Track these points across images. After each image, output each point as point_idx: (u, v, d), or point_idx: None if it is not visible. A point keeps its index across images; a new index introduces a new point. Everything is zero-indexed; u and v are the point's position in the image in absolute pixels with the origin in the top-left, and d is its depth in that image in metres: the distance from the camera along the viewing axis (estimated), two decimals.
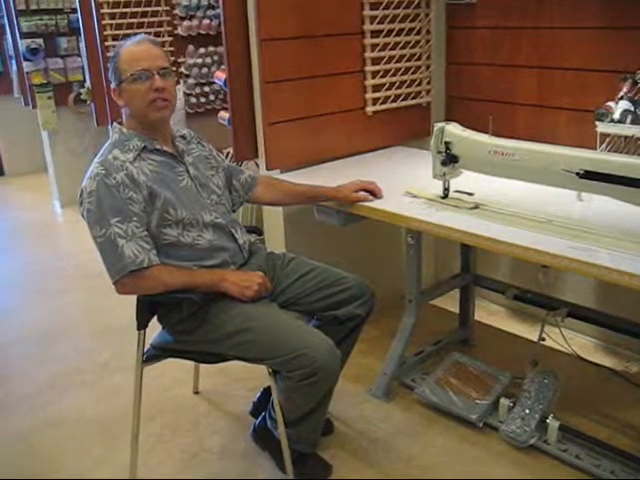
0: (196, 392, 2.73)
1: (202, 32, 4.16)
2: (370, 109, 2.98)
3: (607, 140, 2.41)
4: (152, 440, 2.45)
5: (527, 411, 2.34)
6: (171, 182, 2.01)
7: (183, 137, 2.16)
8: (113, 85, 2.01)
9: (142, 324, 2.08)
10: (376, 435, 2.44)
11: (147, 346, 2.14)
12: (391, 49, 2.97)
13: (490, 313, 3.26)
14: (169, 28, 4.13)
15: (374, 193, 2.35)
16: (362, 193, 2.34)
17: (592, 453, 2.22)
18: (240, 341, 1.97)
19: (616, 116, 2.35)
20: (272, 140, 2.70)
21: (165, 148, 2.05)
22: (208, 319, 2.00)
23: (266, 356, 1.96)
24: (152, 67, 1.94)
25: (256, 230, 2.55)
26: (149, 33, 3.95)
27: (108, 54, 3.94)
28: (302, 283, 2.20)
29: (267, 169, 2.69)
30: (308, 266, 2.24)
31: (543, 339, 2.51)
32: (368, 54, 2.91)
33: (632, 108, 2.35)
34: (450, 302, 3.07)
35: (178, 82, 4.15)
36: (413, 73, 3.09)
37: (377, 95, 2.98)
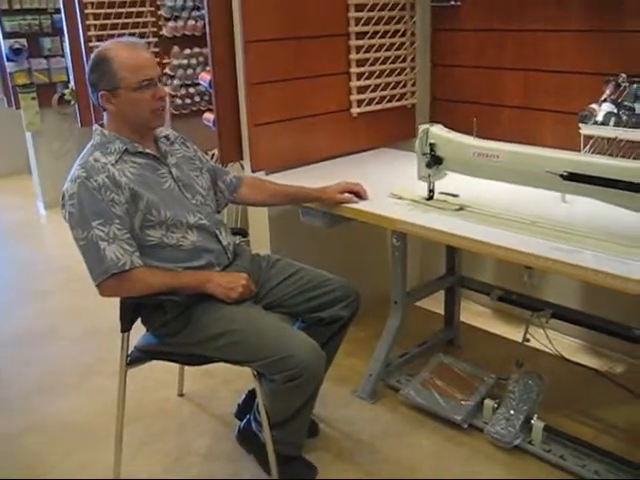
0: (181, 394, 2.71)
1: (187, 33, 4.14)
2: (355, 110, 2.98)
3: (591, 142, 2.42)
4: (136, 443, 2.43)
5: (512, 412, 2.35)
6: (154, 184, 2.00)
7: (167, 138, 2.15)
8: (102, 89, 1.94)
9: (126, 326, 2.07)
10: (361, 436, 2.44)
11: (132, 348, 2.13)
12: (376, 51, 2.98)
13: (475, 314, 3.27)
14: (154, 29, 4.11)
15: (359, 194, 2.35)
16: (347, 195, 2.34)
17: (576, 453, 2.23)
18: (224, 343, 1.97)
19: (599, 118, 2.37)
20: (257, 141, 2.70)
21: (147, 150, 2.03)
22: (192, 321, 1.99)
23: (250, 358, 1.96)
24: (155, 76, 1.95)
25: (241, 231, 2.54)
26: (134, 34, 3.93)
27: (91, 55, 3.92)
28: (287, 285, 2.20)
29: (252, 170, 2.68)
30: (293, 268, 2.24)
31: (527, 340, 2.52)
32: (353, 56, 2.91)
33: (615, 110, 2.37)
34: (435, 303, 3.07)
35: (164, 84, 4.14)
36: (398, 75, 3.10)
37: (362, 97, 2.98)
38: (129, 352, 2.12)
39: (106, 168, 1.92)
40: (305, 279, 2.20)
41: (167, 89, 4.07)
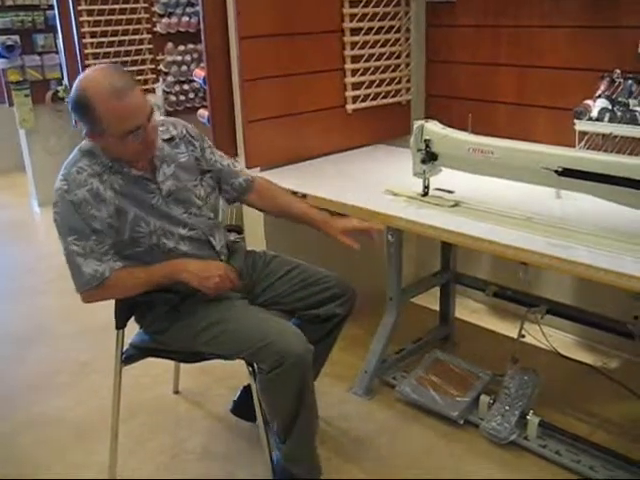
0: (176, 392, 2.71)
1: (181, 30, 4.14)
2: (350, 107, 2.98)
3: (585, 138, 2.43)
4: (132, 441, 2.43)
5: (507, 408, 2.35)
6: (141, 198, 1.93)
7: (171, 139, 2.05)
8: (88, 130, 1.84)
9: (120, 323, 2.08)
10: (357, 433, 2.44)
11: (127, 346, 2.13)
12: (371, 47, 2.97)
13: (470, 310, 3.28)
14: (148, 25, 4.10)
15: (370, 234, 2.18)
16: (349, 240, 2.14)
17: (572, 449, 2.24)
18: (210, 337, 1.96)
19: (594, 114, 2.37)
20: (252, 138, 2.69)
21: (134, 172, 1.93)
22: (180, 318, 2.00)
23: (235, 350, 1.94)
24: (143, 121, 1.83)
25: (237, 229, 2.54)
26: (127, 31, 3.93)
27: (86, 51, 3.90)
28: (283, 282, 2.19)
29: (247, 167, 2.67)
30: (289, 265, 2.23)
31: (523, 336, 2.52)
32: (348, 52, 2.91)
33: (610, 106, 2.38)
34: (431, 300, 3.07)
35: (157, 80, 4.13)
36: (393, 71, 3.10)
37: (357, 93, 2.98)
38: (124, 349, 2.11)
39: (89, 182, 1.86)
40: (301, 276, 2.19)
41: (161, 86, 4.07)
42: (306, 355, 1.92)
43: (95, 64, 3.84)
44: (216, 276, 1.95)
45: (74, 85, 1.82)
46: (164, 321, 2.02)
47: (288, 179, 2.57)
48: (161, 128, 2.02)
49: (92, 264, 1.87)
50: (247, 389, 2.31)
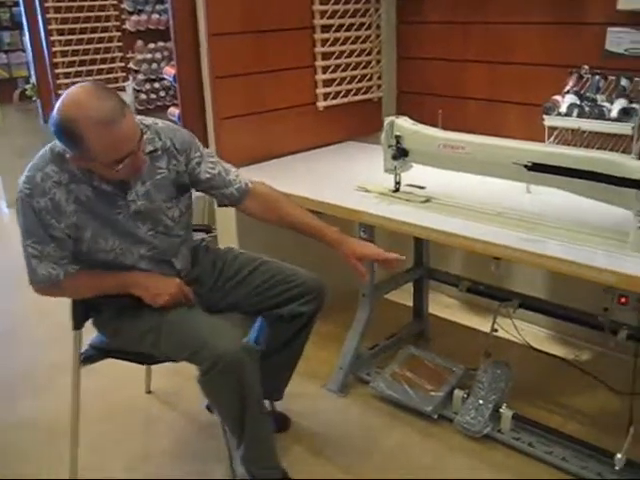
0: (148, 392, 2.69)
1: (151, 27, 4.08)
2: (321, 104, 2.98)
3: (555, 133, 2.45)
4: (103, 441, 2.40)
5: (481, 401, 2.37)
6: (105, 216, 1.88)
7: (154, 151, 1.93)
8: (75, 156, 1.75)
9: (77, 324, 2.07)
10: (332, 430, 2.44)
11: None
12: (341, 44, 2.97)
13: (444, 306, 3.29)
14: (117, 23, 4.04)
15: (390, 264, 2.07)
16: (362, 268, 2.05)
17: (544, 440, 2.26)
18: (152, 339, 1.93)
19: (563, 110, 2.40)
20: (223, 136, 2.68)
21: (104, 186, 1.84)
22: (127, 320, 1.97)
23: (174, 351, 1.92)
24: (133, 146, 1.74)
25: (206, 228, 2.51)
26: (96, 28, 3.87)
27: (54, 49, 3.84)
28: (247, 283, 2.13)
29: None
30: (254, 263, 2.16)
31: (496, 330, 2.55)
32: (318, 49, 2.91)
33: (578, 102, 2.40)
34: (404, 296, 3.08)
35: (127, 78, 4.08)
36: (364, 68, 3.10)
37: (328, 90, 2.98)
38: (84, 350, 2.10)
39: (52, 191, 1.80)
40: (267, 274, 2.13)
41: (131, 84, 4.02)
42: (241, 356, 1.84)
43: (64, 62, 3.83)
44: (167, 294, 1.93)
45: (58, 108, 1.69)
46: (113, 323, 2.00)
47: (259, 177, 2.54)
48: (146, 136, 1.87)
49: (47, 267, 1.86)
50: None
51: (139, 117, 1.91)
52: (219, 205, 2.15)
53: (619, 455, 2.06)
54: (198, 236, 2.27)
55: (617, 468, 2.07)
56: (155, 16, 4.06)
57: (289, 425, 2.44)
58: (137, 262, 1.96)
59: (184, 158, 1.99)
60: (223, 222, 2.93)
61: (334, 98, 3.01)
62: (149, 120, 1.96)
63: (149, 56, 4.11)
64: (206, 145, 2.79)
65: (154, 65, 4.12)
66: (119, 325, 2.00)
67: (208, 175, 2.03)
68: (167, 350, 1.94)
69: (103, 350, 2.11)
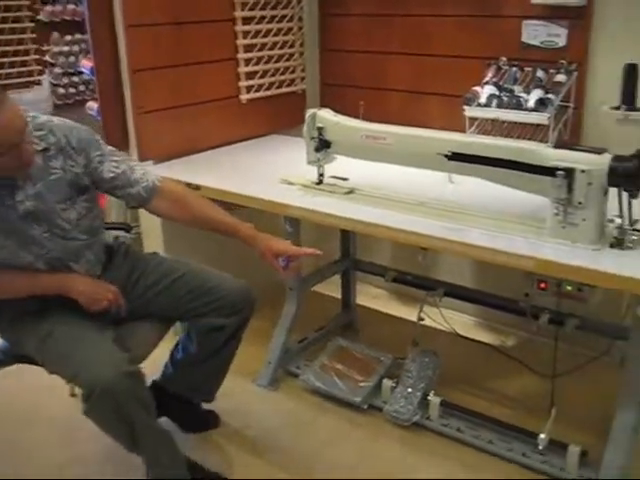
0: (72, 394, 2.60)
1: (67, 18, 3.95)
2: (244, 97, 2.94)
3: (476, 123, 2.49)
4: (26, 447, 2.32)
5: (409, 390, 2.40)
6: None
7: (46, 150, 1.83)
8: None
9: None
10: (263, 425, 2.42)
11: None
12: (264, 36, 2.95)
13: (372, 297, 3.32)
14: (30, 13, 3.88)
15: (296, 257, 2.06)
16: (279, 263, 2.01)
17: (472, 425, 2.31)
18: (43, 357, 1.88)
19: (482, 100, 2.44)
20: (144, 130, 2.62)
21: None
22: (24, 327, 1.90)
23: (57, 372, 1.86)
24: (16, 139, 1.66)
25: (125, 227, 2.43)
26: (7, 18, 3.71)
27: None
28: (170, 293, 2.06)
29: (139, 161, 2.59)
30: (179, 271, 2.09)
31: (422, 319, 2.58)
32: (240, 41, 2.87)
33: (497, 92, 2.45)
34: (332, 288, 3.09)
35: (43, 72, 3.94)
36: (287, 60, 3.08)
37: (251, 83, 2.95)
38: None
39: None
40: (191, 284, 2.06)
41: (48, 77, 3.89)
42: (117, 384, 1.74)
43: None
44: (105, 299, 1.89)
45: None
46: (12, 329, 1.94)
47: (183, 171, 2.52)
48: (38, 133, 1.80)
49: None
50: (155, 385, 2.25)
51: (33, 114, 1.83)
52: (128, 206, 2.09)
53: (542, 435, 2.13)
54: (118, 234, 2.20)
55: (541, 447, 2.13)
56: (71, 6, 3.92)
57: (219, 423, 2.41)
58: (33, 263, 1.86)
59: (83, 158, 1.88)
60: (147, 220, 2.85)
61: (257, 91, 2.99)
62: (43, 118, 1.87)
63: (66, 49, 3.98)
64: (127, 140, 2.72)
65: (72, 58, 3.99)
66: (16, 332, 1.92)
67: (111, 174, 1.93)
68: (50, 369, 1.88)
69: (11, 355, 2.02)
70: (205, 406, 2.38)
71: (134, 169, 1.99)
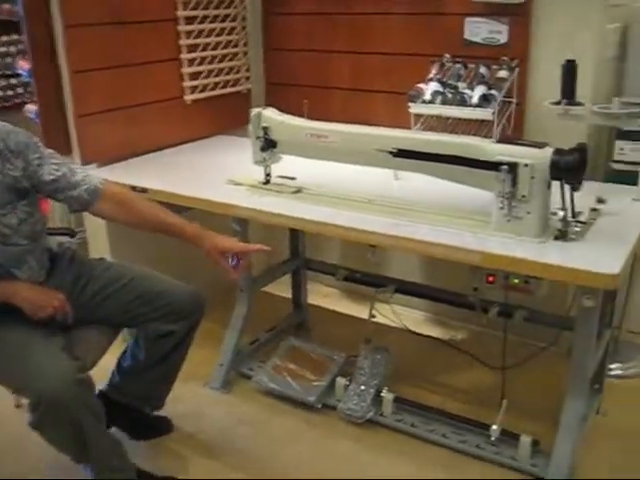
0: (18, 406, 2.52)
1: (2, 18, 3.84)
2: (189, 98, 2.91)
3: (421, 120, 2.51)
4: None
5: (362, 387, 2.40)
6: None
7: None
8: None
9: None
10: (217, 428, 2.40)
11: None
12: (207, 36, 2.92)
13: (323, 295, 3.32)
14: None
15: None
16: (227, 264, 1.98)
17: (425, 420, 2.33)
18: None
19: (427, 97, 2.46)
20: (85, 133, 2.57)
21: None
22: None
23: (2, 380, 1.82)
24: None
25: (69, 232, 2.37)
26: None
27: None
28: (117, 298, 2.02)
29: (82, 164, 2.54)
30: (127, 276, 2.05)
31: (374, 316, 2.58)
32: (183, 41, 2.84)
33: (441, 89, 2.47)
34: (282, 288, 3.07)
35: None
36: (231, 60, 3.06)
37: (195, 83, 2.92)
38: None
39: None
40: (139, 290, 2.02)
41: None
42: (67, 393, 1.71)
43: None
44: (51, 307, 1.84)
45: None
46: None
47: (128, 175, 2.47)
48: None
49: None
50: (101, 395, 2.20)
51: None
52: (71, 210, 2.03)
53: (494, 426, 2.16)
54: (62, 240, 2.15)
55: (493, 438, 2.16)
56: (6, 6, 3.81)
57: (172, 428, 2.37)
58: None
59: (21, 161, 1.83)
60: (92, 225, 2.79)
61: (202, 91, 2.95)
62: None
63: (2, 49, 3.86)
64: (68, 144, 2.66)
65: (8, 59, 3.88)
66: None
67: (52, 177, 1.88)
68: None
69: None
70: (157, 411, 2.34)
71: (75, 171, 1.94)
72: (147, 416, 2.31)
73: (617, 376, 2.61)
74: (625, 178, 2.29)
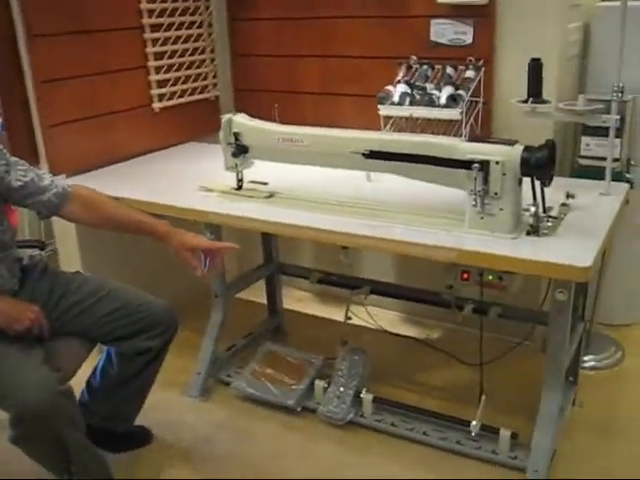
0: None
1: None
2: (157, 105, 2.90)
3: (391, 122, 2.53)
4: None
5: (341, 389, 2.41)
6: None
7: None
8: None
9: None
10: (196, 436, 2.38)
11: None
12: (173, 43, 2.91)
13: (297, 299, 3.32)
14: None
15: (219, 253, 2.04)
16: (195, 261, 1.95)
17: (405, 418, 2.34)
18: None
19: (396, 99, 2.49)
20: (53, 143, 2.53)
21: None
22: None
23: None
24: None
25: (39, 244, 2.33)
26: None
27: None
28: (91, 313, 1.99)
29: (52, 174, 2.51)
30: (102, 291, 2.02)
31: (349, 318, 2.60)
32: (150, 49, 2.83)
33: (409, 90, 2.50)
34: (257, 293, 3.06)
35: None
36: (198, 67, 3.05)
37: (162, 91, 2.90)
38: None
39: None
40: (114, 304, 1.99)
41: None
42: (49, 405, 1.69)
43: None
44: (27, 320, 1.81)
45: None
46: None
47: (97, 184, 2.42)
48: None
49: None
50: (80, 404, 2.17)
51: None
52: (41, 217, 2.01)
53: (474, 422, 2.17)
54: (32, 252, 2.12)
55: (473, 434, 2.18)
56: None
57: (151, 438, 2.34)
58: None
59: None
60: (63, 239, 2.75)
61: (170, 99, 2.94)
62: None
63: None
64: (36, 155, 2.62)
65: None
66: None
67: (20, 183, 1.88)
68: None
69: None
70: (136, 422, 2.31)
71: (42, 177, 1.94)
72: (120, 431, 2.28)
73: (591, 368, 2.65)
74: (591, 173, 2.34)
